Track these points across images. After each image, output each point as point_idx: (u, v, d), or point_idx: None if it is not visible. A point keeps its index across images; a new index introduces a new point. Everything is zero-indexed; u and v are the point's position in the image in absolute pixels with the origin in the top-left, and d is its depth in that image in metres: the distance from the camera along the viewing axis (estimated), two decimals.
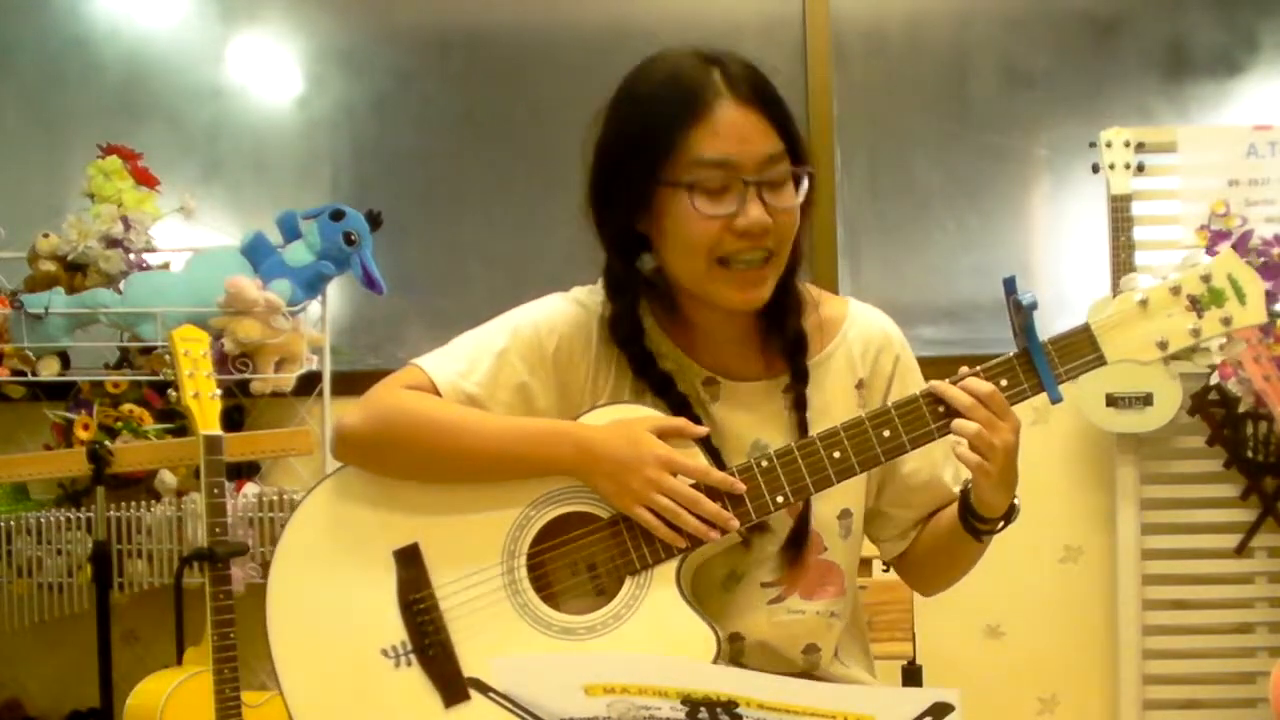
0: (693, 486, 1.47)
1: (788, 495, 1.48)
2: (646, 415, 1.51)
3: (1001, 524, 1.53)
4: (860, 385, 1.61)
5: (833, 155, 3.42)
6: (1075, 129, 3.37)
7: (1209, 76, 3.48)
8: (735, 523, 1.46)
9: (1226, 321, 1.45)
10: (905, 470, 1.62)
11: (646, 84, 1.51)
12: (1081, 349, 1.45)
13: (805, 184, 1.49)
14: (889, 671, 2.23)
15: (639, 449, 1.46)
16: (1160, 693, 3.19)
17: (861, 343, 1.62)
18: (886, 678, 1.98)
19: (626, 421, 1.50)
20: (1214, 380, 3.01)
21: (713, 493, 1.47)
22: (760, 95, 1.47)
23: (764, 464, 1.48)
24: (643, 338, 1.57)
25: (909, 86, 3.52)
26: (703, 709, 1.07)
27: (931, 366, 1.60)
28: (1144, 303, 1.45)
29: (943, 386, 1.45)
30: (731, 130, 1.44)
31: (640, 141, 1.48)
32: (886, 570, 2.02)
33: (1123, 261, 3.03)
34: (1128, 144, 3.14)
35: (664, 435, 1.48)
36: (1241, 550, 3.18)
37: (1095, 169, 3.19)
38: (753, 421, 1.57)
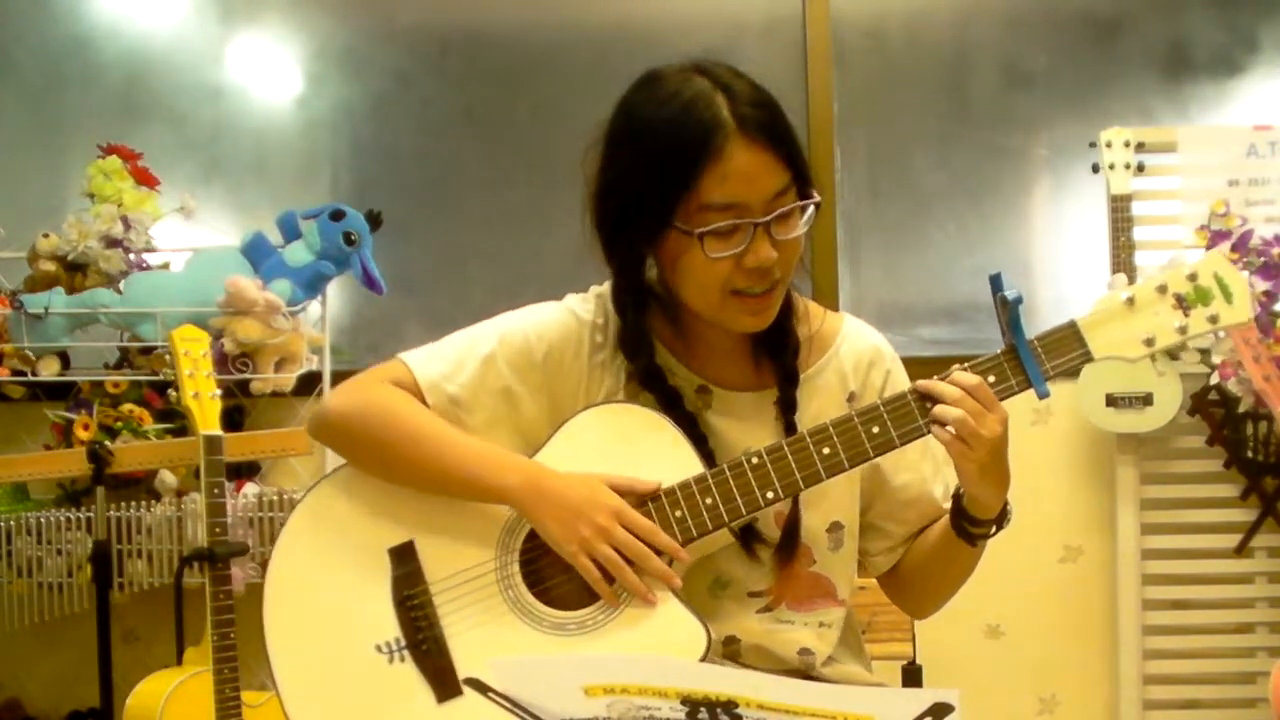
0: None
1: (778, 491, 1.48)
2: (603, 475, 1.50)
3: (994, 528, 1.53)
4: (851, 398, 1.61)
5: (833, 155, 3.42)
6: (1075, 129, 3.38)
7: (1209, 76, 3.48)
8: (678, 582, 1.46)
9: (1213, 320, 1.46)
10: (896, 484, 1.63)
11: (655, 116, 1.47)
12: (1068, 345, 1.46)
13: (811, 211, 1.48)
14: (889, 671, 2.23)
15: (594, 496, 1.46)
16: (1160, 693, 3.19)
17: (853, 357, 1.62)
18: (886, 678, 1.98)
19: (583, 473, 1.49)
20: (1214, 380, 3.01)
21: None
22: (768, 128, 1.44)
23: (754, 460, 1.48)
24: (653, 353, 1.57)
25: (909, 86, 3.52)
26: (703, 709, 1.07)
27: (930, 366, 1.60)
28: (1130, 300, 1.46)
29: (930, 382, 1.46)
30: (741, 173, 1.42)
31: (651, 184, 1.45)
32: None
33: (1123, 261, 3.03)
34: (1128, 144, 3.14)
35: (616, 490, 1.48)
36: (1241, 550, 3.18)
37: (1095, 169, 3.19)
38: (744, 431, 1.57)
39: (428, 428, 1.52)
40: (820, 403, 1.59)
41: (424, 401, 1.55)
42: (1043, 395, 1.46)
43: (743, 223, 1.43)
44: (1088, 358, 1.46)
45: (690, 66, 1.49)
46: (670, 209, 1.44)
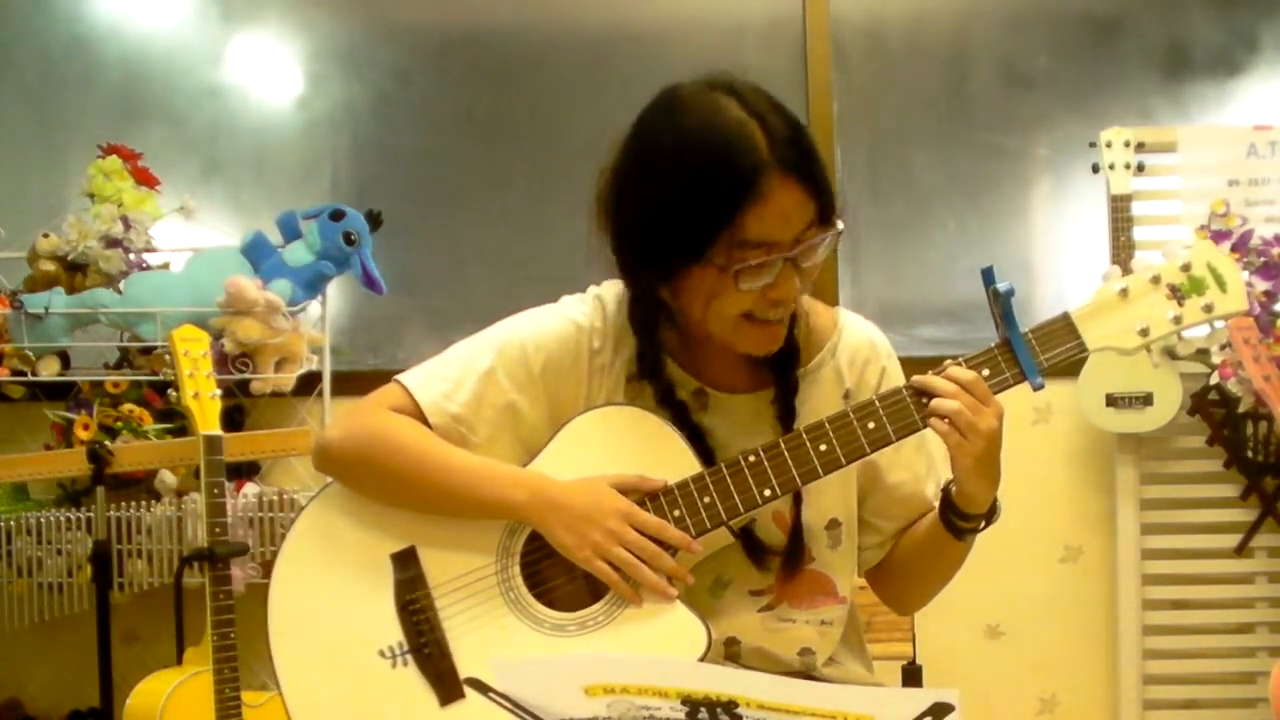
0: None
1: (775, 489, 1.48)
2: (607, 475, 1.51)
3: (983, 523, 1.53)
4: (847, 395, 1.61)
5: (833, 155, 3.42)
6: (1075, 129, 3.38)
7: (1209, 76, 3.48)
8: (691, 578, 1.48)
9: (1208, 309, 1.45)
10: (890, 482, 1.62)
11: (688, 150, 1.42)
12: (1062, 337, 1.46)
13: (834, 238, 1.46)
14: (889, 671, 2.23)
15: (601, 501, 1.47)
16: (1160, 693, 3.19)
17: (849, 353, 1.62)
18: (886, 678, 1.98)
19: (587, 478, 1.50)
20: (1214, 380, 3.01)
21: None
22: (804, 164, 1.41)
23: (751, 459, 1.48)
24: (665, 368, 1.56)
25: (909, 86, 3.52)
26: (703, 709, 1.07)
27: (930, 366, 1.60)
28: (1124, 291, 1.46)
29: (926, 377, 1.46)
30: (779, 212, 1.39)
31: (687, 221, 1.41)
32: None
33: (1123, 261, 3.01)
34: (1128, 144, 3.14)
35: (622, 489, 1.49)
36: (1241, 550, 3.18)
37: (1095, 169, 3.19)
38: (741, 433, 1.57)
39: (430, 453, 1.53)
40: (817, 399, 1.59)
41: (426, 423, 1.55)
42: (1037, 387, 1.46)
43: (774, 256, 1.41)
44: (1082, 349, 1.46)
45: (714, 85, 1.45)
46: (706, 246, 1.40)
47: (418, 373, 1.59)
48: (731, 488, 1.48)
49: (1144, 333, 1.46)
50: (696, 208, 1.40)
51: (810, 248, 1.43)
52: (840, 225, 1.46)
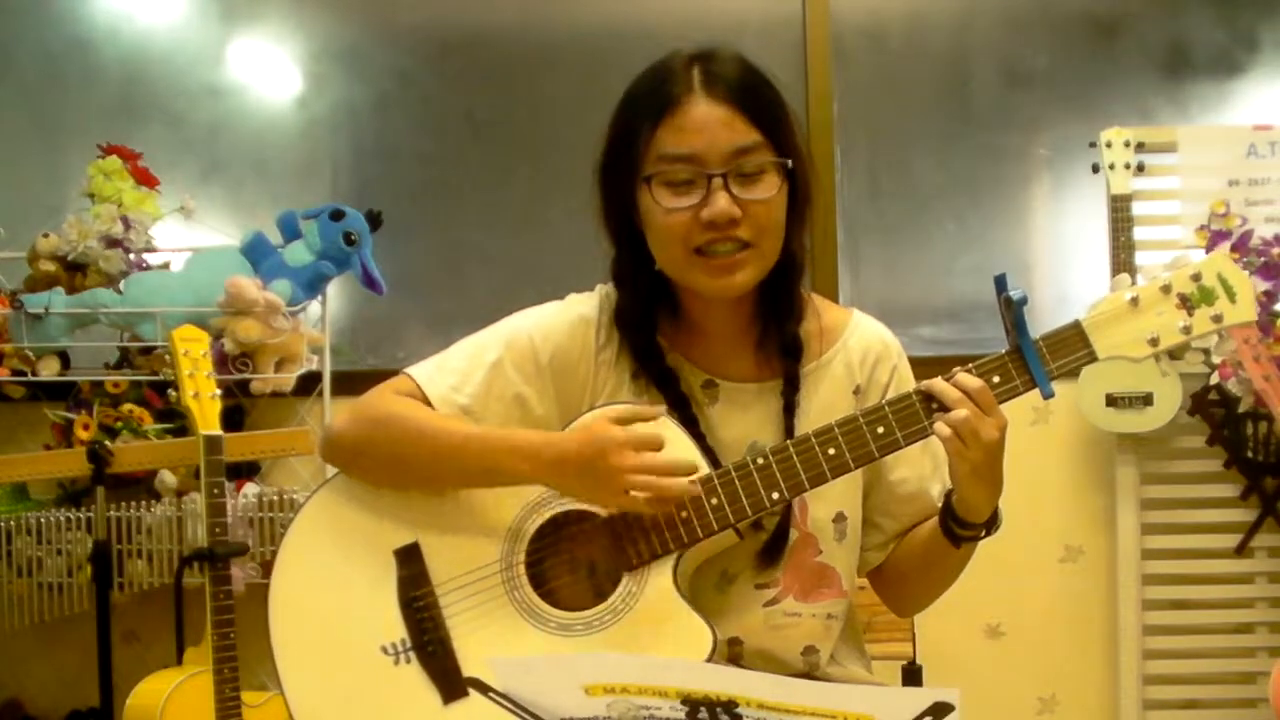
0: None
1: (783, 492, 1.48)
2: (604, 410, 1.50)
3: (982, 532, 1.53)
4: (858, 391, 1.62)
5: (833, 155, 3.42)
6: (1075, 129, 3.38)
7: (1209, 76, 3.48)
8: (698, 489, 1.46)
9: (1217, 319, 1.46)
10: (893, 479, 1.63)
11: (634, 85, 1.54)
12: (1072, 345, 1.47)
13: (785, 174, 1.50)
14: (889, 671, 2.23)
15: (596, 437, 1.46)
16: (1160, 693, 3.19)
17: (861, 350, 1.63)
18: (886, 678, 1.98)
19: (585, 422, 1.50)
20: (1214, 380, 3.01)
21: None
22: (736, 91, 1.48)
23: (759, 461, 1.48)
24: (651, 329, 1.58)
25: (909, 86, 3.52)
26: (703, 709, 1.07)
27: (930, 366, 1.60)
28: (1134, 300, 1.47)
29: (934, 382, 1.46)
30: (695, 126, 1.47)
31: (620, 142, 1.53)
32: None
33: (1123, 261, 3.03)
34: (1128, 144, 3.14)
35: (620, 421, 1.48)
36: (1241, 550, 3.18)
37: (1095, 169, 3.19)
38: (750, 422, 1.58)
39: (438, 427, 1.53)
40: (826, 392, 1.60)
41: None
42: (1047, 396, 1.47)
43: (699, 174, 1.47)
44: (1092, 358, 1.47)
45: (690, 47, 1.54)
46: (630, 162, 1.49)
47: (426, 365, 1.60)
48: (740, 490, 1.48)
49: (1154, 342, 1.46)
50: (629, 126, 1.51)
51: (748, 176, 1.48)
52: (787, 160, 1.49)
